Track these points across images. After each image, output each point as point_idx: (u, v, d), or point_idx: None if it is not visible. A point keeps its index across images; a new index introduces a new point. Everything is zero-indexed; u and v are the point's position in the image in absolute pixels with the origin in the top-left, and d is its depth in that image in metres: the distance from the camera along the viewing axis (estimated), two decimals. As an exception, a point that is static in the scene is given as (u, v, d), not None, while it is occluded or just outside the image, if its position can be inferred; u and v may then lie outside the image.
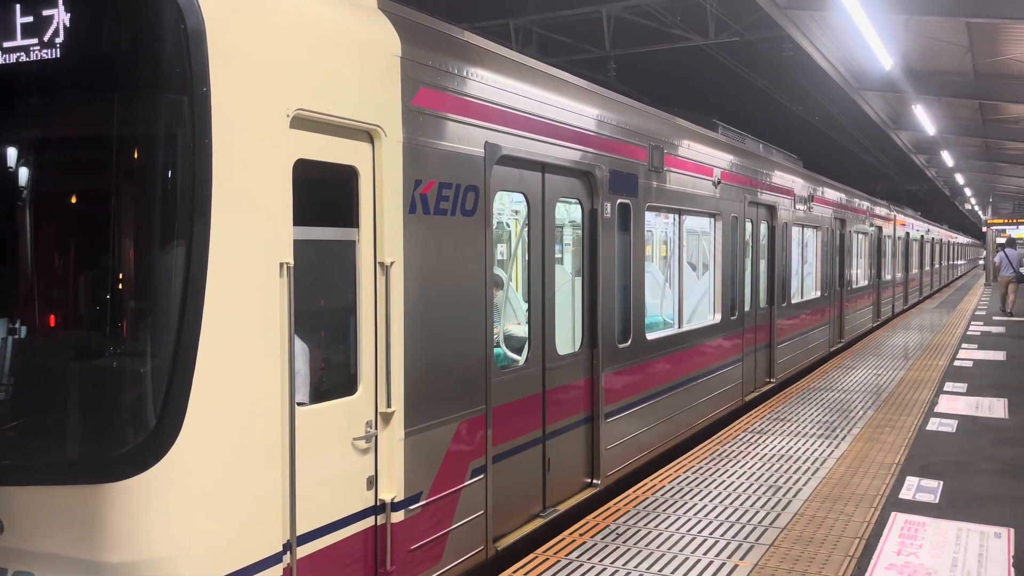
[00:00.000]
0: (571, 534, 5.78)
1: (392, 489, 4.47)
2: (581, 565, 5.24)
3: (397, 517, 4.50)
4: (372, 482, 4.40)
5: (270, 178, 3.73)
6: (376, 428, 4.41)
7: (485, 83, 5.28)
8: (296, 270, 3.85)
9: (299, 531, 3.92)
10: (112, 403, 3.54)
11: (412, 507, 4.61)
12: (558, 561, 5.29)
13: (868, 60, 14.12)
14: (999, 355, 14.74)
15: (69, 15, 3.43)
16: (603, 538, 5.70)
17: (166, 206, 3.44)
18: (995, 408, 10.06)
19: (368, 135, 4.35)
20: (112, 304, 3.56)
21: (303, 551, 3.96)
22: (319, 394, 4.22)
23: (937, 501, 6.50)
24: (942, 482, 6.96)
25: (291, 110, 3.82)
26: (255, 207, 3.66)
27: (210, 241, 3.43)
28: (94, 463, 3.44)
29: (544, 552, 5.45)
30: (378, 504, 4.44)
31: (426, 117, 4.71)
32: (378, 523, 4.44)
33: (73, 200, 3.83)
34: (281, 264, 3.77)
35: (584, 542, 5.62)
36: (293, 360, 3.83)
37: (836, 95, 21.31)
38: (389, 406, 4.43)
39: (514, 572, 5.12)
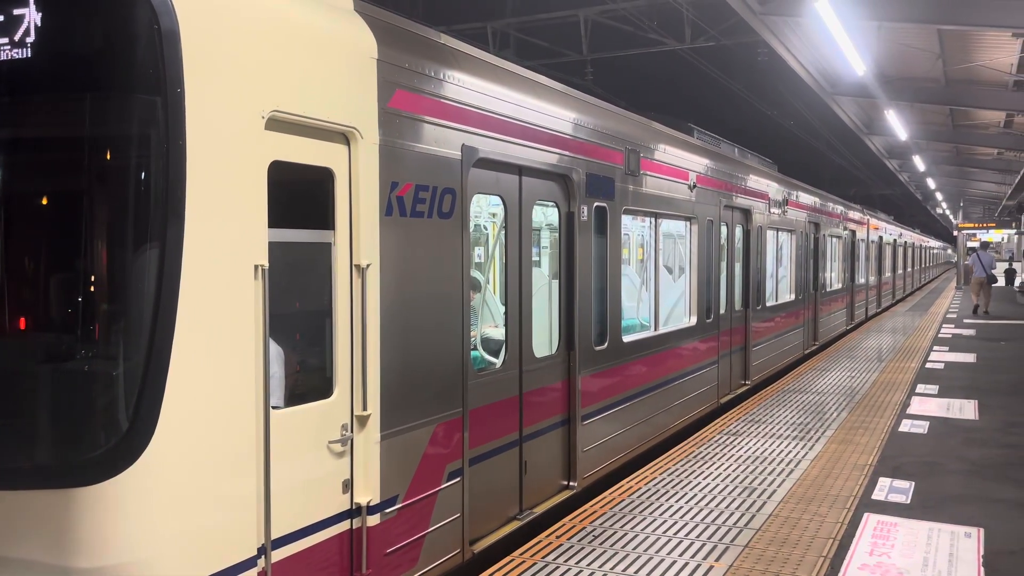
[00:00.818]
0: (548, 536, 5.79)
1: (368, 492, 4.46)
2: (558, 567, 5.25)
3: (373, 520, 4.48)
4: (348, 485, 4.39)
5: (245, 180, 3.71)
6: (352, 431, 4.39)
7: (462, 86, 5.28)
8: (271, 272, 3.82)
9: (274, 535, 3.89)
10: (84, 406, 3.49)
11: (388, 510, 4.60)
12: (535, 563, 5.29)
13: (842, 66, 14.29)
14: (970, 357, 14.93)
15: (40, 15, 3.39)
16: (580, 540, 5.71)
17: (139, 208, 3.40)
18: (965, 409, 10.19)
19: (344, 137, 4.34)
20: (84, 307, 3.51)
21: (278, 555, 3.93)
22: (294, 397, 4.19)
23: (909, 502, 6.57)
24: (914, 483, 7.04)
25: (266, 112, 3.80)
26: (230, 209, 3.64)
27: (184, 243, 3.41)
28: (65, 467, 3.40)
29: (521, 554, 5.45)
30: (354, 507, 4.42)
31: (403, 119, 4.71)
32: (354, 526, 4.42)
33: (45, 202, 3.78)
34: (256, 266, 3.75)
35: (561, 544, 5.63)
36: (268, 363, 3.80)
37: (810, 100, 21.54)
38: (365, 409, 4.42)
39: (491, 575, 5.12)
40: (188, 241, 3.42)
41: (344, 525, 4.37)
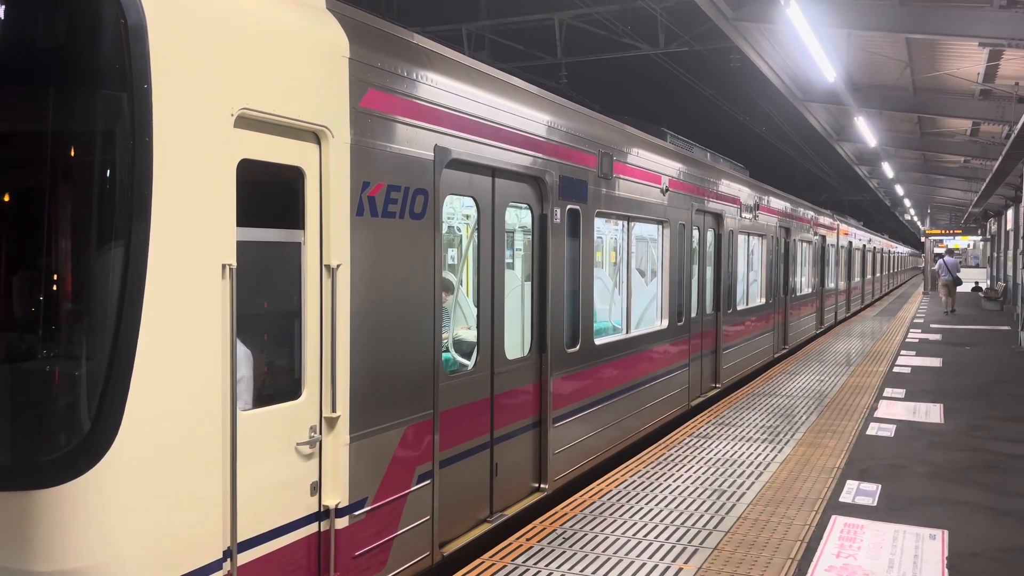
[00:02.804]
0: (518, 539, 5.78)
1: (336, 495, 4.41)
2: (528, 570, 5.24)
3: (341, 523, 4.44)
4: (316, 488, 4.34)
5: (213, 178, 3.66)
6: (320, 433, 4.35)
7: (435, 86, 5.26)
8: (239, 272, 3.78)
9: (240, 537, 3.84)
10: (46, 406, 3.42)
11: (357, 513, 4.56)
12: (504, 566, 5.28)
13: (813, 72, 14.44)
14: (936, 361, 15.15)
15: (4, 6, 3.32)
16: (550, 542, 5.70)
17: (104, 205, 3.34)
18: (931, 413, 10.33)
19: (315, 136, 4.30)
20: (47, 305, 3.44)
21: (244, 558, 3.88)
22: (262, 398, 4.14)
23: (875, 504, 6.65)
24: (880, 485, 7.13)
25: (235, 109, 3.75)
26: (197, 207, 3.59)
27: (150, 241, 3.35)
28: (26, 468, 3.33)
29: (491, 557, 5.44)
30: (322, 510, 4.37)
31: (375, 119, 4.68)
32: (322, 529, 4.38)
33: (7, 198, 3.70)
34: (224, 266, 3.70)
35: (531, 547, 5.62)
36: (235, 363, 3.75)
37: (782, 106, 21.79)
38: (334, 411, 4.38)
39: (460, 577, 5.10)
40: (154, 239, 3.37)
41: (312, 528, 4.32)
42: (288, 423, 4.17)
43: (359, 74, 4.54)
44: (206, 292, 3.62)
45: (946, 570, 5.33)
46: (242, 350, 3.98)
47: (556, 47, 17.03)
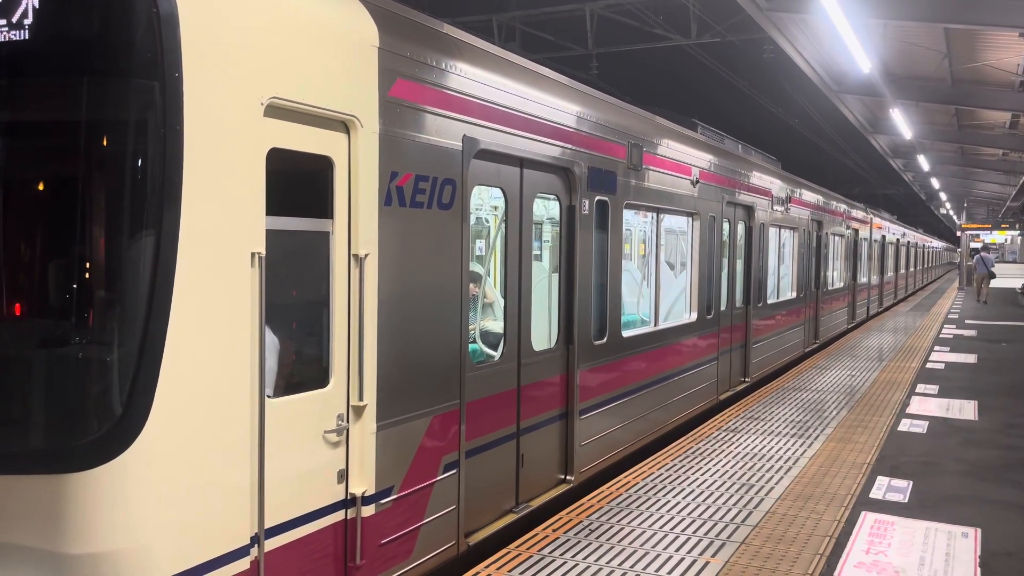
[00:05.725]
0: (544, 530, 5.77)
1: (363, 483, 4.44)
2: (553, 560, 5.23)
3: (367, 511, 4.47)
4: (343, 476, 4.37)
5: (243, 167, 3.68)
6: (348, 421, 4.37)
7: (464, 76, 5.24)
8: (268, 260, 3.80)
9: (267, 524, 3.87)
10: (78, 392, 3.47)
11: (383, 501, 4.58)
12: (530, 556, 5.28)
13: (847, 63, 14.23)
14: (971, 358, 14.90)
15: None
16: (576, 534, 5.69)
17: (136, 194, 3.37)
18: (965, 410, 10.18)
19: (344, 125, 4.31)
20: (80, 292, 3.49)
21: (271, 544, 3.91)
22: (290, 386, 4.17)
23: (906, 501, 6.56)
24: (912, 482, 7.03)
25: (265, 98, 3.77)
26: (227, 196, 3.61)
27: (180, 230, 3.38)
28: (58, 452, 3.38)
29: (517, 547, 5.44)
30: (348, 498, 4.40)
31: (403, 109, 4.68)
32: (348, 517, 4.40)
33: (41, 187, 3.75)
34: (253, 254, 3.73)
35: (557, 538, 5.62)
36: (263, 351, 3.78)
37: (815, 97, 21.50)
38: (361, 399, 4.40)
39: (486, 567, 5.10)
40: (184, 228, 3.40)
41: (339, 515, 4.35)
42: (316, 411, 4.20)
43: (388, 63, 4.54)
44: (235, 280, 3.65)
45: (978, 569, 5.26)
46: (271, 338, 4.01)
47: (587, 38, 16.95)
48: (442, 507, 5.11)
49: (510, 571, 5.06)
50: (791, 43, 13.88)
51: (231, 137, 3.62)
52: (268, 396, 3.87)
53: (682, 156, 9.12)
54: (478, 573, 5.02)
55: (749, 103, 24.86)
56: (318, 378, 4.28)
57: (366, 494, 4.45)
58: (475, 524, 5.63)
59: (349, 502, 4.40)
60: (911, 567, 5.25)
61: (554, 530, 5.76)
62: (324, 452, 4.24)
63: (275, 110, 3.86)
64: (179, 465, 3.44)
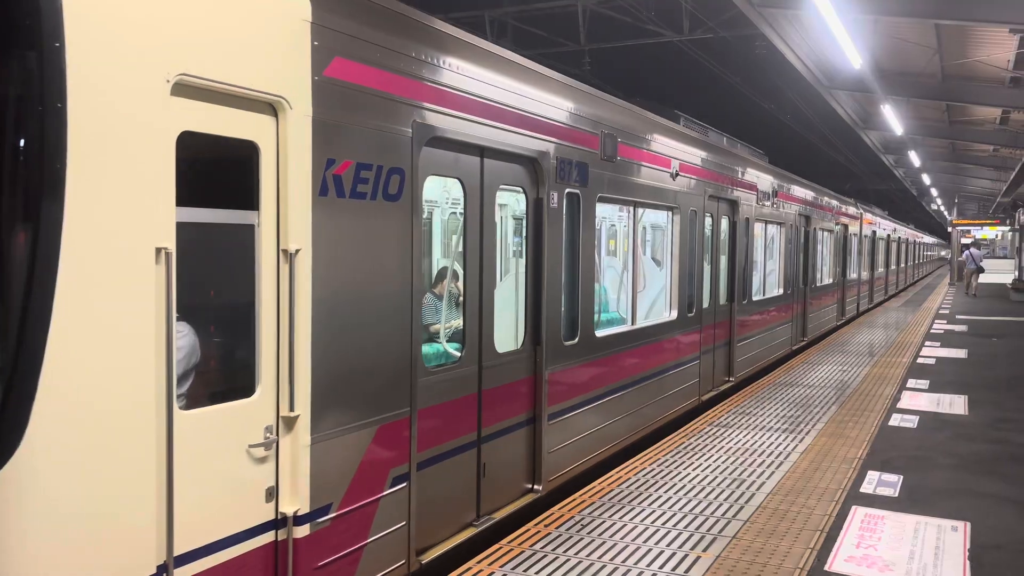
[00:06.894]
0: (508, 543, 5.42)
1: (295, 501, 4.04)
2: (514, 578, 4.87)
3: (301, 532, 4.07)
4: (272, 493, 3.97)
5: (145, 152, 3.27)
6: (277, 434, 3.97)
7: (415, 57, 4.84)
8: (180, 256, 3.40)
9: (180, 550, 3.48)
10: None
11: (319, 520, 4.18)
12: (492, 573, 4.91)
13: (838, 59, 13.98)
14: (961, 353, 14.80)
15: None
16: (543, 547, 5.34)
17: (8, 181, 2.97)
18: (956, 405, 10.09)
19: (271, 107, 3.90)
20: None
21: (185, 572, 3.51)
22: (208, 396, 3.77)
23: (897, 495, 6.53)
24: (902, 476, 7.00)
25: (172, 75, 3.36)
26: (125, 184, 3.20)
27: (64, 222, 2.97)
28: None
29: (477, 563, 5.08)
30: (279, 518, 4.00)
31: (342, 90, 4.27)
32: (279, 538, 4.01)
33: None
34: (158, 249, 3.32)
35: (522, 551, 5.26)
36: (172, 358, 3.38)
37: (807, 93, 21.30)
38: (293, 410, 3.99)
39: (439, 588, 4.74)
40: (69, 220, 2.99)
41: (268, 537, 3.95)
42: (239, 423, 3.79)
43: (323, 40, 4.13)
44: (136, 279, 3.24)
45: (968, 562, 5.18)
46: (186, 343, 3.61)
47: (579, 34, 16.75)
48: (389, 524, 4.71)
49: (465, 591, 4.70)
50: (782, 39, 13.60)
51: (129, 118, 3.20)
52: (180, 408, 3.47)
53: (661, 148, 8.73)
54: (429, 594, 4.65)
55: (741, 99, 24.62)
56: (242, 387, 3.87)
57: (299, 513, 4.05)
58: (429, 540, 5.24)
59: (280, 522, 4.00)
60: (901, 561, 5.21)
61: (520, 543, 5.40)
62: (248, 468, 3.84)
63: (185, 88, 3.45)
64: (65, 487, 3.03)
